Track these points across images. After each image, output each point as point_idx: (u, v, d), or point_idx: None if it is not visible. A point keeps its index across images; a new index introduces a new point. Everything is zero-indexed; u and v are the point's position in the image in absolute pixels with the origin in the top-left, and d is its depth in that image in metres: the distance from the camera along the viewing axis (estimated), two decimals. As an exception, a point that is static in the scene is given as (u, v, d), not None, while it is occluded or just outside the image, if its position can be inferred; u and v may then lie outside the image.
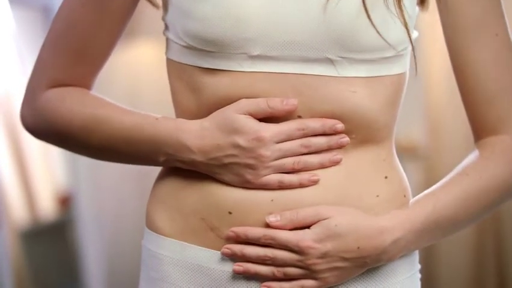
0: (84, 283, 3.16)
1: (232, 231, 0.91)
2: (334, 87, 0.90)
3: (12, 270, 3.01)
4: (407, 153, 2.99)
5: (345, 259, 0.89)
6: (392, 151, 0.98)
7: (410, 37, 0.91)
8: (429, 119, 3.11)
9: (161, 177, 1.00)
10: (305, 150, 0.91)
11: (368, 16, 0.87)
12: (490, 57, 0.97)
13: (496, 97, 0.97)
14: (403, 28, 0.90)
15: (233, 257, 0.92)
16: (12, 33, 3.27)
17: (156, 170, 1.01)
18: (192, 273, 0.94)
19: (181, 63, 0.94)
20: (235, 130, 0.90)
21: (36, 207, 3.32)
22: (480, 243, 3.01)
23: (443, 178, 0.97)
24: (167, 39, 0.97)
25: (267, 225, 0.90)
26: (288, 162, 0.90)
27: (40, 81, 1.01)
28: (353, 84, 0.90)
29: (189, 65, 0.93)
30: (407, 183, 0.98)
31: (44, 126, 1.02)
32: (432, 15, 0.99)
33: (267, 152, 0.89)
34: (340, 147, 0.92)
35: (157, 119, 0.95)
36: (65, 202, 3.39)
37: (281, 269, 0.90)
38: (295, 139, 0.90)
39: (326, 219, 0.89)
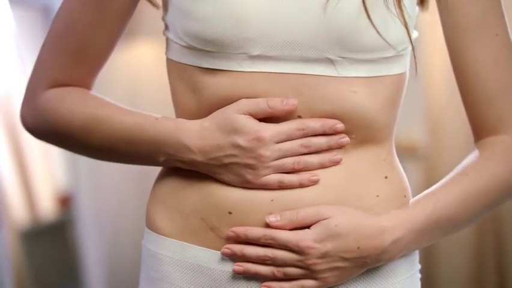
0: (84, 283, 3.16)
1: (232, 231, 0.91)
2: (334, 87, 0.90)
3: (13, 270, 3.01)
4: (407, 153, 2.99)
5: (345, 259, 0.89)
6: (392, 151, 0.98)
7: (410, 37, 0.91)
8: (429, 119, 3.11)
9: (161, 177, 1.00)
10: (305, 150, 0.90)
11: (368, 16, 0.87)
12: (490, 57, 0.96)
13: (496, 97, 0.97)
14: (403, 28, 0.90)
15: (233, 257, 0.92)
16: (12, 33, 3.27)
17: (156, 170, 1.01)
18: (192, 273, 0.94)
19: (181, 63, 0.94)
20: (235, 130, 0.90)
21: (36, 207, 3.32)
22: (480, 243, 3.01)
23: (443, 178, 0.97)
24: (167, 39, 0.97)
25: (267, 225, 0.90)
26: (288, 162, 0.90)
27: (40, 81, 1.01)
28: (353, 84, 0.90)
29: (189, 65, 0.93)
30: (407, 183, 0.98)
31: (44, 126, 1.02)
32: (432, 15, 0.99)
33: (267, 152, 0.89)
34: (340, 147, 0.92)
35: (157, 119, 0.95)
36: (65, 202, 3.39)
37: (281, 269, 0.90)
38: (295, 139, 0.90)
39: (326, 219, 0.89)
